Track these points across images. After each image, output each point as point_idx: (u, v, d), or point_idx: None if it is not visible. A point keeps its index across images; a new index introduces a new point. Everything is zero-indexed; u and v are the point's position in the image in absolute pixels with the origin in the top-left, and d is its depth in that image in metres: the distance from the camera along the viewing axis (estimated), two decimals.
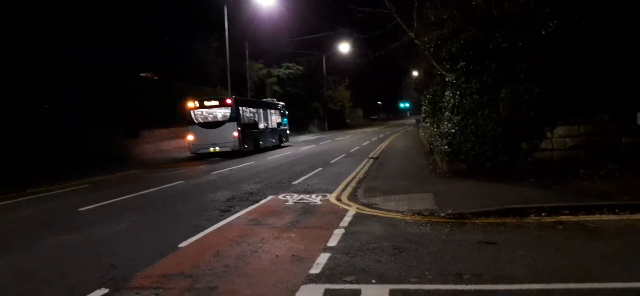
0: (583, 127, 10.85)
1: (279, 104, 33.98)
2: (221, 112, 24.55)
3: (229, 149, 24.02)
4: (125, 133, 27.73)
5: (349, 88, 71.48)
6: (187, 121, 25.07)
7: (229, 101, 24.67)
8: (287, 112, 35.24)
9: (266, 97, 38.72)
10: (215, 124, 24.42)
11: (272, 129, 30.49)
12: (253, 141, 26.20)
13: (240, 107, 25.15)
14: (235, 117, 24.22)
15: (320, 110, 63.15)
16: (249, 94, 40.41)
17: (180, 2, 48.12)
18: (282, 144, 32.03)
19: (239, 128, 24.24)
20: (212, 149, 24.05)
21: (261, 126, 28.36)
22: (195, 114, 24.72)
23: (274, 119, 31.30)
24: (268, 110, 30.37)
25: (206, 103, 25.04)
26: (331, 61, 62.05)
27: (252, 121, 26.91)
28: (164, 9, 37.72)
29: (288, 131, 35.29)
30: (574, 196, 8.22)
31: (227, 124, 24.12)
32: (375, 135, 40.59)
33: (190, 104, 24.94)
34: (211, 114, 24.77)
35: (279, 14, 40.68)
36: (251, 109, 27.52)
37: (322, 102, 63.49)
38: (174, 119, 31.06)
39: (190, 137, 24.69)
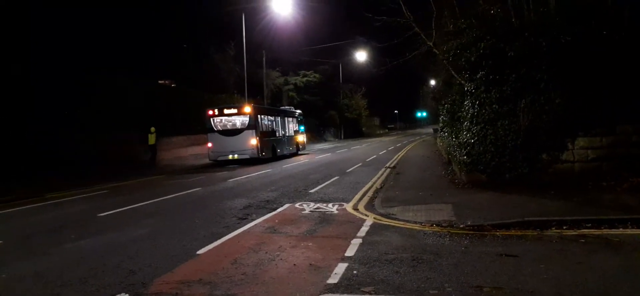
0: (605, 139, 10.64)
1: (296, 112, 34.18)
2: (240, 120, 24.73)
3: (247, 156, 24.20)
4: (144, 140, 28.02)
5: (365, 97, 71.48)
6: (206, 129, 25.30)
7: (248, 109, 24.90)
8: (303, 119, 35.35)
9: (283, 105, 38.91)
10: (234, 131, 24.60)
11: (289, 137, 30.62)
12: (271, 148, 26.34)
13: (258, 116, 25.34)
14: (254, 125, 24.40)
15: (337, 118, 63.21)
16: (266, 101, 40.65)
17: (197, 9, 48.81)
18: (299, 152, 32.15)
19: (258, 136, 24.41)
20: (231, 156, 24.28)
21: (279, 134, 28.53)
22: (214, 122, 24.95)
23: (291, 127, 31.47)
24: (285, 118, 30.55)
25: (226, 111, 25.25)
26: (348, 69, 62.16)
27: (270, 129, 27.07)
28: (181, 17, 38.22)
29: (305, 139, 35.37)
30: (596, 209, 8.06)
31: (246, 132, 24.31)
32: (392, 144, 40.42)
33: (210, 111, 25.20)
34: (230, 121, 24.96)
35: (296, 22, 40.95)
36: (269, 117, 27.70)
37: (338, 111, 63.57)
38: (191, 127, 31.32)
39: (209, 144, 24.95)
